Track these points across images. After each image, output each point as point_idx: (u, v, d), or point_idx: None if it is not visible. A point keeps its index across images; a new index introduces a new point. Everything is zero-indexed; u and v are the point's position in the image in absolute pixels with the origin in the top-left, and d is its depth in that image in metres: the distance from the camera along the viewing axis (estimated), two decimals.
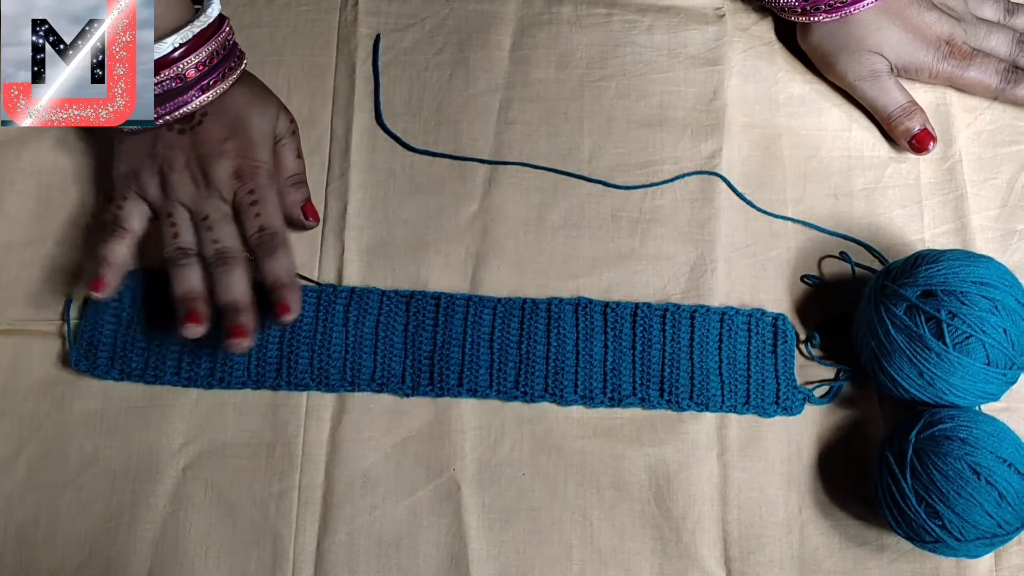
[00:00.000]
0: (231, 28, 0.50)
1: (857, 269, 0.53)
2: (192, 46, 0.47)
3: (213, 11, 0.48)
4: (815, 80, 0.58)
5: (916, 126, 0.55)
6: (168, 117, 0.48)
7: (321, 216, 0.54)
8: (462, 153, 0.56)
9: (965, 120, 0.57)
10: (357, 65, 0.57)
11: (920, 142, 0.55)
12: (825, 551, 0.49)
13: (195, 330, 0.46)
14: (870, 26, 0.55)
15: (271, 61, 0.57)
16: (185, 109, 0.48)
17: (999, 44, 0.56)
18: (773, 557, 0.49)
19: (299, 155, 0.53)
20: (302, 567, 0.48)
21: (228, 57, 0.50)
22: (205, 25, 0.48)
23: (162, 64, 0.46)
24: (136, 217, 0.49)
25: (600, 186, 0.55)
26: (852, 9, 0.54)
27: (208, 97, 0.48)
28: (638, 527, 0.49)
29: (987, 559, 0.49)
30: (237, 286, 0.47)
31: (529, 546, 0.48)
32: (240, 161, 0.49)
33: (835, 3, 0.54)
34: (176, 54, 0.47)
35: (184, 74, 0.47)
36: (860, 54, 0.55)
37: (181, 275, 0.48)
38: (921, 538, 0.45)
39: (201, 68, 0.48)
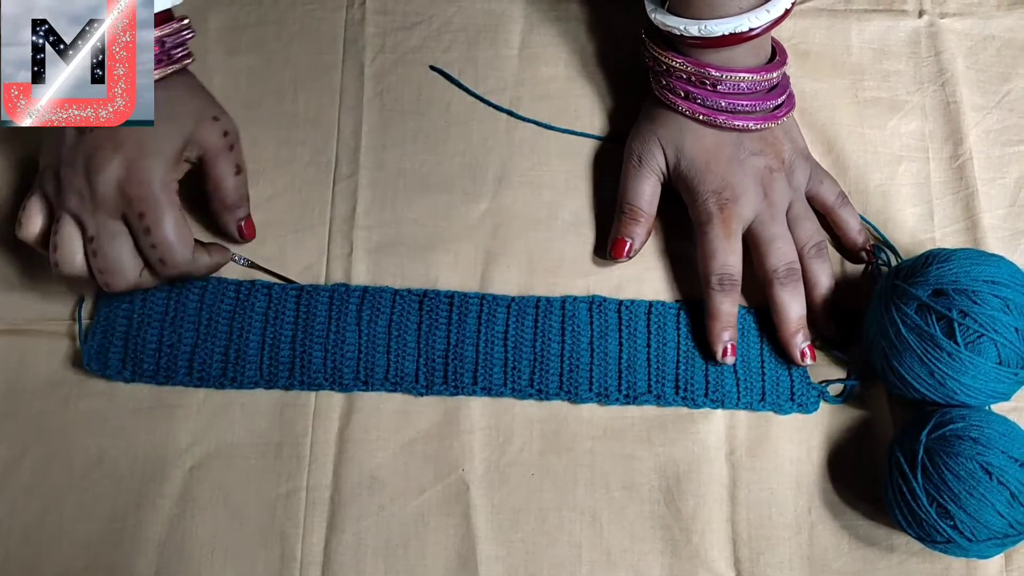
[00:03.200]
0: (185, 28, 0.48)
1: (867, 268, 0.53)
2: None
3: (161, 3, 0.46)
4: (824, 78, 0.58)
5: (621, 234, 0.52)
6: None
7: (328, 216, 0.54)
8: (475, 159, 0.55)
9: (974, 119, 0.57)
10: (365, 65, 0.57)
11: (615, 248, 0.52)
12: (835, 552, 0.49)
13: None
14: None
15: (277, 60, 0.57)
16: None
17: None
18: (783, 558, 0.48)
19: (237, 171, 0.50)
20: (309, 568, 0.47)
21: (163, 55, 0.47)
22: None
23: None
24: (35, 221, 0.47)
25: (611, 184, 0.54)
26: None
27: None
28: (647, 528, 0.49)
29: (997, 560, 0.48)
30: (123, 287, 0.46)
31: (538, 547, 0.48)
32: (127, 175, 0.45)
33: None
34: None
35: None
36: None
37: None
38: (932, 538, 0.45)
39: None
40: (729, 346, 0.50)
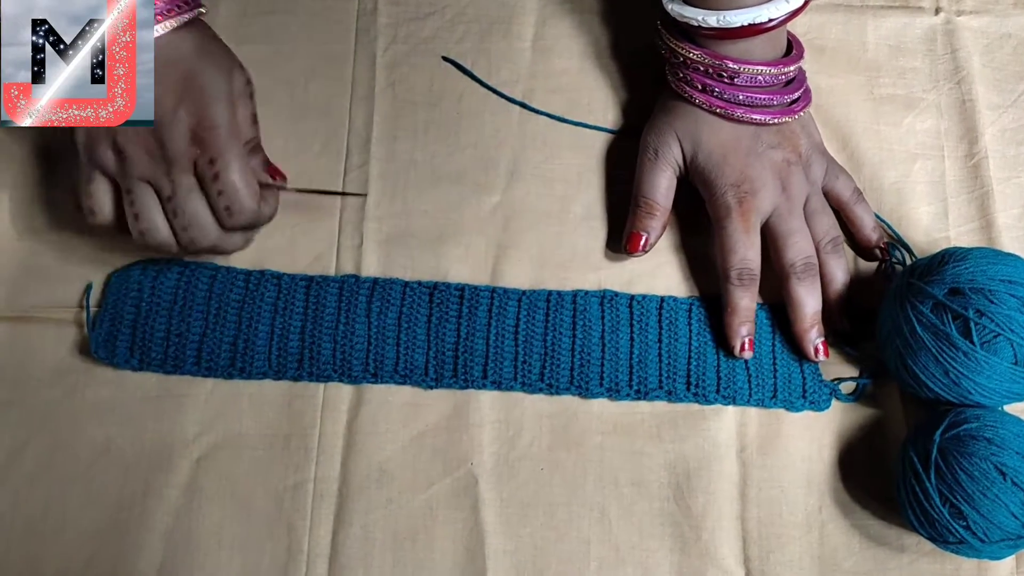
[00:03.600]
0: None
1: (881, 265, 0.53)
2: None
3: None
4: (839, 74, 0.58)
5: (636, 228, 0.51)
6: None
7: (339, 207, 0.53)
8: (487, 151, 0.55)
9: (990, 118, 0.57)
10: (377, 55, 0.57)
11: (630, 242, 0.52)
12: (845, 551, 0.48)
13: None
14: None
15: (287, 49, 0.57)
16: None
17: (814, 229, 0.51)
18: (793, 556, 0.48)
19: (254, 120, 0.49)
20: (316, 560, 0.47)
21: (182, 1, 0.45)
22: None
23: None
24: (104, 201, 0.46)
25: (624, 178, 0.54)
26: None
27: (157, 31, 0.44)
28: (657, 524, 0.48)
29: (1008, 561, 0.48)
30: (207, 244, 0.46)
31: (546, 541, 0.48)
32: (197, 125, 0.45)
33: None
34: None
35: None
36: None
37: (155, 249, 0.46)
38: (944, 539, 0.44)
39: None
40: (747, 341, 0.50)
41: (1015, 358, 0.44)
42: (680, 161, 0.52)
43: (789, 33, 0.52)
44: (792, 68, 0.50)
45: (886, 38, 0.59)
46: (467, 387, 0.50)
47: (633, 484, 0.49)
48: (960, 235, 0.54)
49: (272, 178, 0.49)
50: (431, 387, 0.50)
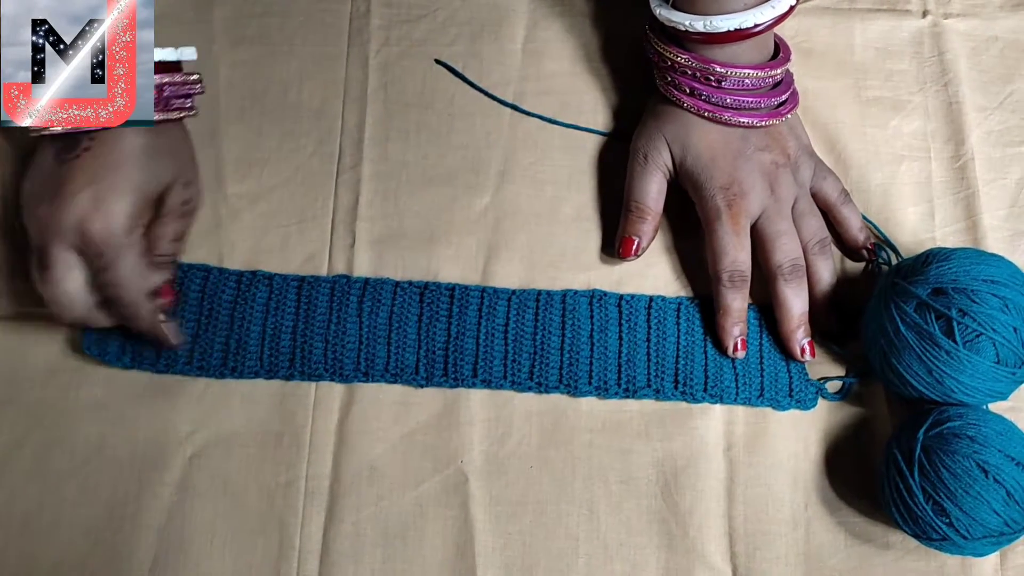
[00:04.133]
0: (195, 82, 0.48)
1: (868, 266, 0.53)
2: None
3: (171, 55, 0.47)
4: (827, 76, 0.58)
5: (628, 232, 0.52)
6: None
7: (331, 207, 0.54)
8: (478, 153, 0.55)
9: (976, 120, 0.57)
10: (370, 57, 0.57)
11: (622, 247, 0.52)
12: (831, 548, 0.49)
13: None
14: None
15: (282, 51, 0.57)
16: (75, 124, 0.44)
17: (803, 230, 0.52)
18: (779, 553, 0.49)
19: (178, 238, 0.48)
20: (308, 557, 0.48)
21: (163, 102, 0.47)
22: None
23: None
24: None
25: (614, 180, 0.55)
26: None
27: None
28: (645, 522, 0.49)
29: (992, 558, 0.48)
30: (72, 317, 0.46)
31: (535, 539, 0.48)
32: (90, 216, 0.44)
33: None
34: None
35: None
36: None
37: None
38: (928, 535, 0.45)
39: None
40: (739, 341, 0.50)
41: (997, 357, 0.45)
42: (670, 165, 0.52)
43: (776, 36, 0.53)
44: (779, 71, 0.51)
45: (874, 41, 0.59)
46: (457, 386, 0.50)
47: (621, 482, 0.49)
48: (946, 236, 0.55)
49: (164, 296, 0.47)
50: (422, 386, 0.50)
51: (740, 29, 0.48)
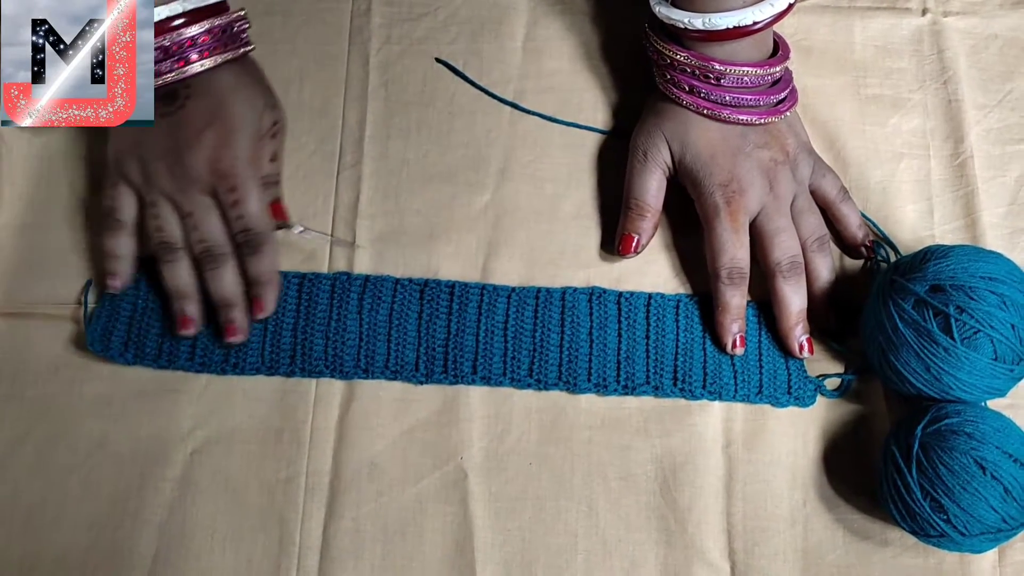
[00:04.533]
0: (242, 18, 0.50)
1: (865, 263, 0.53)
2: (192, 18, 0.47)
3: None
4: (826, 74, 0.58)
5: (628, 230, 0.52)
6: (158, 80, 0.47)
7: (332, 205, 0.54)
8: (478, 150, 0.56)
9: (975, 117, 0.57)
10: (371, 55, 0.57)
11: (622, 244, 0.52)
12: (829, 545, 0.49)
13: (187, 334, 0.49)
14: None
15: (283, 49, 0.57)
16: (167, 77, 0.47)
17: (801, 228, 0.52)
18: (777, 550, 0.49)
19: (274, 158, 0.52)
20: (308, 552, 0.48)
21: (230, 39, 0.49)
22: (204, 3, 0.48)
23: (160, 30, 0.46)
24: (126, 207, 0.50)
25: (613, 177, 0.55)
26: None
27: (196, 68, 0.47)
28: (643, 518, 0.49)
29: (991, 554, 0.49)
30: (227, 283, 0.49)
31: (535, 535, 0.49)
32: (218, 153, 0.48)
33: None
34: (176, 23, 0.47)
35: (182, 42, 0.47)
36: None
37: (169, 272, 0.49)
38: (926, 532, 0.45)
39: (198, 41, 0.47)
40: (738, 338, 0.50)
41: (995, 354, 0.45)
42: (669, 162, 0.52)
43: (775, 34, 0.53)
44: (778, 69, 0.51)
45: (873, 39, 0.59)
46: (457, 383, 0.50)
47: (620, 478, 0.50)
48: (945, 233, 0.55)
49: (273, 215, 0.51)
50: (421, 383, 0.51)
51: (739, 27, 0.48)
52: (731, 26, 0.48)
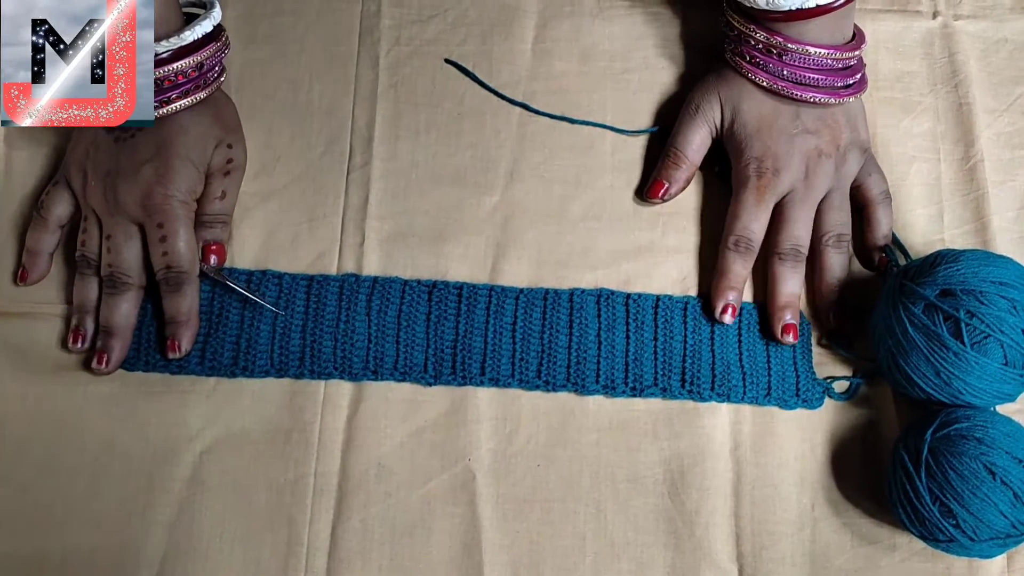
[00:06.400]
0: (223, 43, 0.51)
1: (879, 269, 0.53)
2: (177, 55, 0.48)
3: (201, 29, 0.49)
4: None
5: (660, 176, 0.54)
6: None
7: (342, 206, 0.54)
8: (487, 152, 0.56)
9: (986, 121, 0.57)
10: (380, 56, 0.57)
11: (652, 188, 0.54)
12: (837, 549, 0.49)
13: (75, 348, 0.50)
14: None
15: (293, 49, 0.57)
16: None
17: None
18: (785, 553, 0.49)
19: (223, 196, 0.52)
20: (316, 553, 0.48)
21: (208, 71, 0.50)
22: (187, 42, 0.48)
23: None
24: (58, 208, 0.51)
25: (622, 179, 0.55)
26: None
27: (174, 108, 0.48)
28: (651, 520, 0.49)
29: (999, 560, 0.48)
30: (118, 312, 0.49)
31: (542, 537, 0.49)
32: (151, 189, 0.48)
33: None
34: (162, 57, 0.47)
35: (162, 81, 0.48)
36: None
37: (78, 284, 0.51)
38: (935, 537, 0.45)
39: (178, 81, 0.48)
40: (730, 306, 0.51)
41: (1005, 359, 0.45)
42: (718, 123, 0.53)
43: (856, 26, 0.54)
44: (847, 55, 0.51)
45: (884, 41, 0.59)
46: (465, 384, 0.50)
47: (628, 480, 0.50)
48: (955, 237, 0.55)
49: (203, 257, 0.51)
50: (430, 384, 0.51)
51: (802, 8, 0.49)
52: (793, 8, 0.49)
